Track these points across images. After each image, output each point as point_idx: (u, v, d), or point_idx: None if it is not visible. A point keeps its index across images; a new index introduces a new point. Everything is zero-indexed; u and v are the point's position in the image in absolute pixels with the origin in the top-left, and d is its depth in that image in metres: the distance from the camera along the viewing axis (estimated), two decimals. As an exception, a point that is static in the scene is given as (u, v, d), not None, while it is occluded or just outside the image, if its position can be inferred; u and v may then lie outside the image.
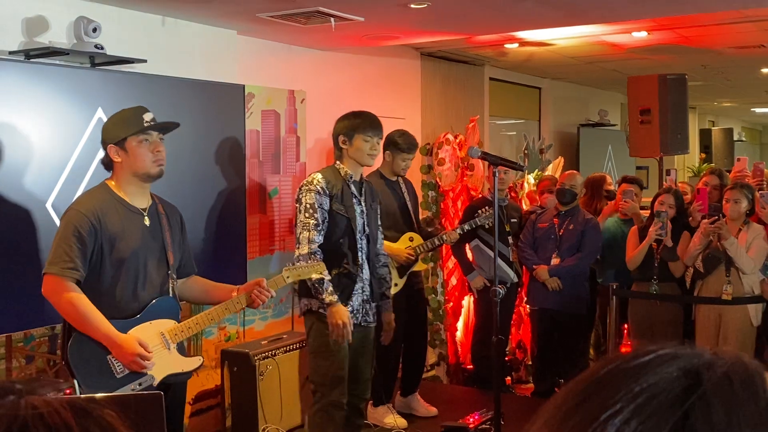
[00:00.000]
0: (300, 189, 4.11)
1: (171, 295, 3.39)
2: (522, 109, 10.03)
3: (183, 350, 3.43)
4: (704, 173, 6.28)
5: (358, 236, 4.10)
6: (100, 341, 3.13)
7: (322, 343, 4.04)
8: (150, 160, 3.31)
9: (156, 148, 3.34)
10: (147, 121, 3.32)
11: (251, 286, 3.47)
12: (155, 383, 3.23)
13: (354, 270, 4.08)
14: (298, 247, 4.01)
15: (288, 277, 3.64)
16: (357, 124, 4.16)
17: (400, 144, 5.34)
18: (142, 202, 3.38)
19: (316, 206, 3.99)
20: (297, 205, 4.09)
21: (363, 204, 4.18)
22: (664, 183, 6.36)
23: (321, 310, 4.01)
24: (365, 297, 4.17)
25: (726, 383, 0.59)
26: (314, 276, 3.82)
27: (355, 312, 4.09)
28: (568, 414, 0.63)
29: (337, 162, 4.22)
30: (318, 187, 4.03)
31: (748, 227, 4.99)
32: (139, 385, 3.19)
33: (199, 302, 3.75)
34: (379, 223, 4.38)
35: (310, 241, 3.96)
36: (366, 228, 4.16)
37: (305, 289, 4.09)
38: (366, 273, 4.16)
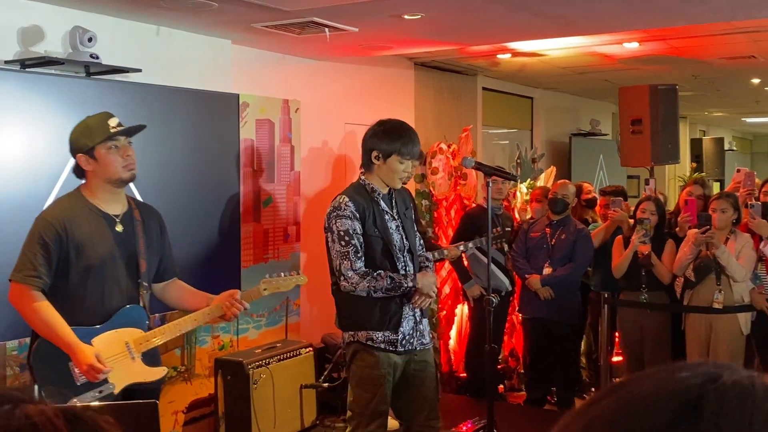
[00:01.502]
0: (328, 216, 3.73)
1: (141, 303, 3.35)
2: (514, 119, 10.08)
3: (156, 358, 3.40)
4: (687, 183, 6.32)
5: (398, 255, 3.76)
6: (62, 346, 3.12)
7: (365, 375, 3.74)
8: (120, 166, 3.29)
9: (125, 152, 3.31)
10: (113, 127, 3.29)
11: (225, 297, 3.42)
12: (115, 392, 3.20)
13: (400, 295, 3.73)
14: (343, 279, 3.66)
15: (265, 290, 3.58)
16: (399, 144, 3.71)
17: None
18: (115, 208, 3.36)
19: (351, 232, 3.65)
20: (327, 234, 3.73)
21: (397, 217, 3.82)
22: (644, 192, 6.41)
23: (369, 342, 3.71)
24: (417, 318, 3.80)
25: (748, 382, 0.60)
26: (291, 287, 3.67)
27: (407, 338, 3.75)
28: None
29: (362, 177, 3.83)
30: (348, 212, 3.66)
31: (735, 236, 5.04)
32: (99, 392, 3.16)
33: (176, 307, 3.69)
34: (416, 228, 4.00)
35: (354, 270, 3.63)
36: (405, 242, 3.80)
37: (344, 322, 3.82)
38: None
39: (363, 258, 3.67)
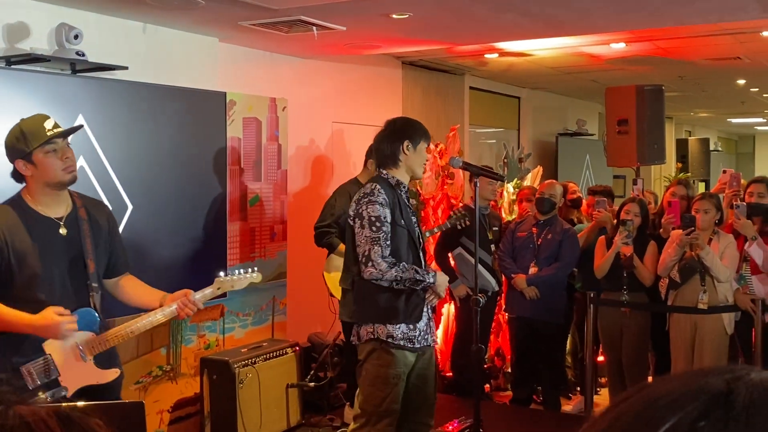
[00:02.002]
0: (359, 202, 3.72)
1: (91, 305, 3.30)
2: (502, 118, 10.10)
3: (111, 359, 3.36)
4: (671, 184, 6.36)
5: (419, 249, 3.81)
6: (25, 332, 3.08)
7: (380, 374, 3.72)
8: (60, 169, 3.22)
9: (64, 155, 3.23)
10: (49, 130, 3.21)
11: (178, 296, 3.37)
12: (68, 395, 3.16)
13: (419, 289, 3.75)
14: (371, 265, 3.61)
15: (219, 288, 3.52)
16: (422, 131, 3.87)
17: None
18: (58, 210, 3.29)
19: (382, 219, 3.63)
20: (357, 220, 3.69)
21: (414, 212, 3.90)
22: (631, 192, 6.43)
23: (389, 339, 3.69)
24: (429, 315, 3.86)
25: (759, 393, 0.62)
26: (245, 285, 3.61)
27: (422, 334, 3.78)
28: None
29: (383, 171, 3.83)
30: (380, 198, 3.66)
31: (718, 237, 5.07)
32: (51, 396, 3.12)
33: (128, 304, 3.61)
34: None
35: (383, 257, 3.60)
36: (420, 240, 3.86)
37: (364, 313, 3.78)
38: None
39: (390, 246, 3.66)
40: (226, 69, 5.82)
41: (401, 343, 3.70)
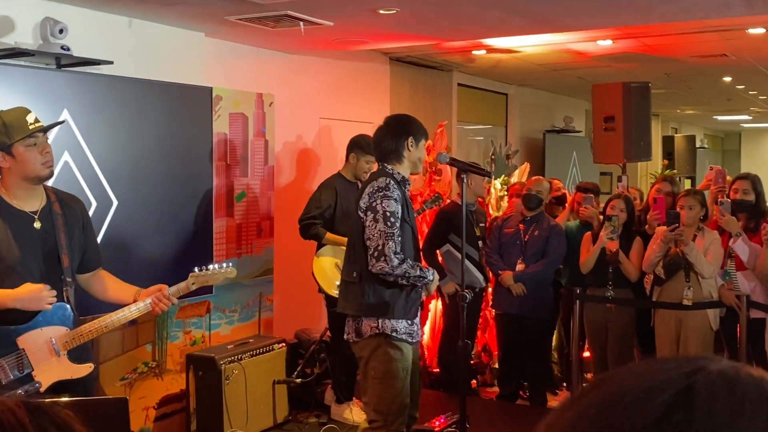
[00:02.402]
0: (372, 195, 3.69)
1: (65, 300, 3.28)
2: (489, 115, 10.11)
3: (85, 354, 3.34)
4: (656, 181, 6.38)
5: (419, 246, 3.87)
6: (9, 306, 3.08)
7: (390, 369, 3.70)
8: (39, 163, 3.21)
9: (44, 149, 3.23)
10: (31, 123, 3.21)
11: (152, 292, 3.37)
12: (42, 390, 3.15)
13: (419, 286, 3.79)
14: (383, 260, 3.60)
15: (193, 284, 3.53)
16: (423, 129, 3.93)
17: (363, 146, 5.44)
18: (33, 204, 3.28)
19: (397, 215, 3.64)
20: (369, 213, 3.67)
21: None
22: (616, 189, 6.45)
23: (394, 333, 3.70)
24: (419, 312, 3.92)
25: (732, 371, 0.62)
26: (220, 280, 3.62)
27: (417, 329, 3.83)
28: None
29: (388, 166, 3.83)
30: (395, 194, 3.67)
31: (703, 233, 5.09)
32: (24, 391, 3.10)
33: (102, 299, 3.59)
34: None
35: (395, 252, 3.60)
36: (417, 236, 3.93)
37: (371, 308, 3.75)
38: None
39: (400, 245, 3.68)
40: (213, 64, 5.80)
41: (404, 336, 3.74)
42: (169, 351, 5.11)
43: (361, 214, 3.73)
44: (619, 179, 6.83)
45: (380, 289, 3.73)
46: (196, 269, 3.56)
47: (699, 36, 6.76)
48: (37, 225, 3.25)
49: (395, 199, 3.66)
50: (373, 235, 3.65)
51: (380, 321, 3.72)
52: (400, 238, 3.66)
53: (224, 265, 3.65)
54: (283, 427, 5.36)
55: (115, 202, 4.73)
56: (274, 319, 5.94)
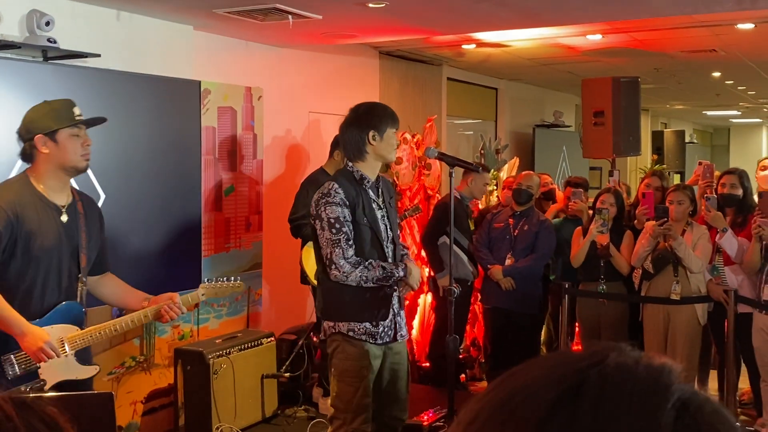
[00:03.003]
0: (316, 203, 3.64)
1: (78, 300, 3.29)
2: (479, 110, 10.11)
3: (87, 356, 3.35)
4: (645, 175, 6.41)
5: (384, 245, 3.69)
6: (6, 328, 3.04)
7: (348, 368, 3.66)
8: (79, 155, 3.25)
9: (85, 142, 3.28)
10: (77, 115, 3.26)
11: (163, 299, 3.39)
12: (46, 388, 3.15)
13: (389, 285, 3.68)
14: (334, 268, 3.54)
15: (203, 295, 3.58)
16: (388, 116, 3.71)
17: None
18: (61, 198, 3.28)
19: (342, 219, 3.55)
20: (317, 221, 3.61)
21: (383, 206, 3.75)
22: (608, 183, 6.47)
23: (350, 333, 3.64)
24: (395, 310, 3.74)
25: (632, 362, 0.60)
26: (228, 294, 3.66)
27: (385, 330, 3.69)
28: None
29: (350, 164, 3.72)
30: (337, 198, 3.57)
31: (692, 228, 5.10)
32: (29, 389, 3.10)
33: (110, 303, 3.62)
34: (397, 219, 3.98)
35: (346, 258, 3.53)
36: (389, 232, 3.75)
37: (329, 311, 3.71)
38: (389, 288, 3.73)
39: (354, 246, 3.58)
40: (201, 57, 5.77)
41: (363, 337, 3.65)
42: (157, 345, 5.10)
43: (312, 221, 3.68)
44: (611, 173, 6.85)
45: (340, 293, 3.64)
46: (206, 280, 3.64)
47: (688, 31, 6.77)
48: (63, 218, 3.25)
49: (338, 204, 3.56)
50: (323, 244, 3.59)
51: (336, 322, 3.67)
52: (351, 242, 3.57)
53: (233, 279, 3.76)
54: (271, 421, 5.35)
55: (103, 196, 4.70)
56: (263, 314, 5.93)
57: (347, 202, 3.58)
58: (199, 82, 5.32)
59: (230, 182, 5.58)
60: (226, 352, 5.03)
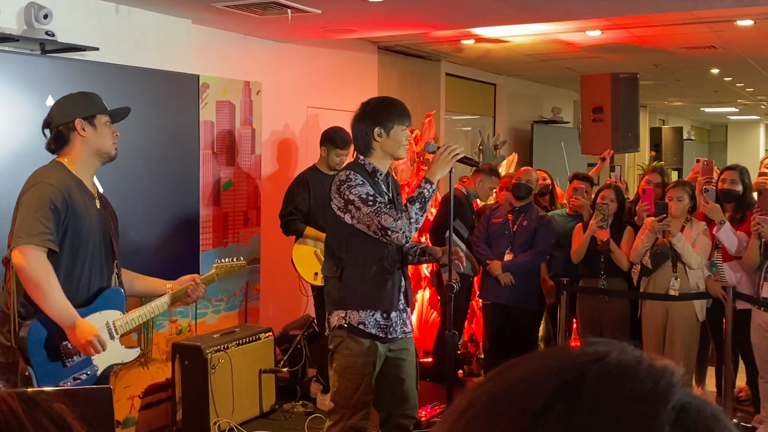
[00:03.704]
0: (340, 191, 3.57)
1: (117, 284, 3.39)
2: (477, 105, 10.10)
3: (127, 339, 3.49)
4: (645, 172, 6.40)
5: None
6: (58, 319, 3.06)
7: (350, 364, 3.63)
8: (112, 142, 3.33)
9: (115, 132, 3.36)
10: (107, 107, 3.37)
11: (187, 280, 3.52)
12: (99, 372, 3.23)
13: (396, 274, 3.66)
14: (392, 234, 3.47)
15: (218, 275, 3.71)
16: (396, 113, 3.66)
17: (334, 140, 5.43)
18: (92, 186, 3.35)
19: (372, 193, 3.51)
20: (349, 207, 3.55)
21: (394, 202, 3.70)
22: (609, 179, 6.46)
23: (360, 326, 3.60)
24: (402, 306, 3.71)
25: (633, 362, 0.59)
26: (236, 272, 3.76)
27: (394, 325, 3.66)
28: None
29: (361, 157, 3.69)
30: (358, 179, 3.54)
31: (691, 224, 5.11)
32: (86, 374, 3.18)
33: (130, 293, 3.61)
34: None
35: (394, 218, 3.46)
36: None
37: (335, 301, 3.69)
38: (401, 279, 3.71)
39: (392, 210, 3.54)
40: (200, 51, 5.75)
41: (372, 331, 3.62)
42: (155, 340, 5.09)
43: (341, 213, 3.62)
44: (613, 169, 6.84)
45: (356, 281, 3.63)
46: (217, 260, 3.77)
47: (688, 27, 6.76)
48: (98, 204, 3.31)
49: (361, 183, 3.54)
50: (366, 222, 3.54)
51: (348, 312, 3.63)
52: (389, 206, 3.54)
53: (235, 258, 3.89)
54: (269, 416, 5.34)
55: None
56: (261, 308, 5.93)
57: (367, 183, 3.56)
58: (198, 77, 5.31)
59: (228, 177, 5.57)
60: (224, 347, 5.02)
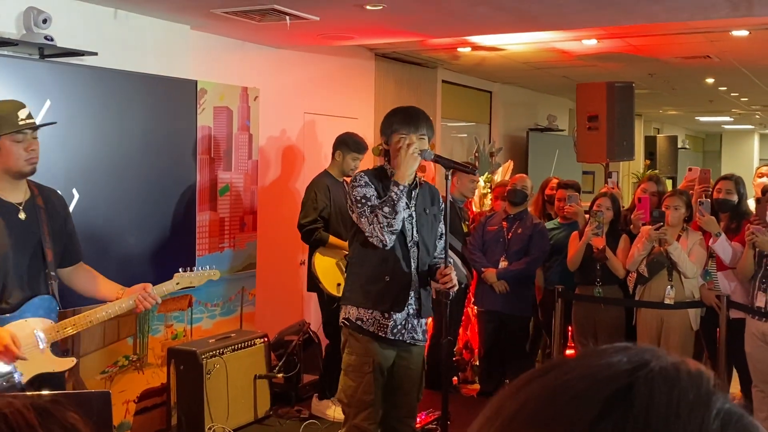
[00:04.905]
0: (348, 194, 3.76)
1: (49, 293, 3.29)
2: (473, 112, 10.12)
3: (57, 350, 3.36)
4: (641, 180, 6.43)
5: (408, 244, 3.71)
6: None
7: (351, 362, 3.71)
8: (23, 159, 3.21)
9: (30, 146, 3.23)
10: (22, 119, 3.21)
11: (137, 289, 3.39)
12: (23, 381, 3.16)
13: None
14: (373, 237, 3.59)
15: (178, 284, 3.57)
16: (396, 122, 3.77)
17: (350, 144, 5.44)
18: (17, 196, 3.27)
19: (368, 196, 3.64)
20: (354, 207, 3.68)
21: (413, 208, 3.75)
22: (605, 186, 6.48)
23: (359, 322, 3.68)
24: (410, 311, 3.73)
25: (673, 369, 0.61)
26: (204, 281, 3.70)
27: (398, 327, 3.70)
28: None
29: (386, 162, 3.83)
30: (362, 181, 3.69)
31: (687, 233, 5.13)
32: (6, 382, 3.11)
33: (84, 294, 3.59)
34: (441, 231, 3.91)
35: (369, 223, 3.59)
36: (415, 235, 3.74)
37: (342, 297, 3.80)
38: (416, 285, 3.74)
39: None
40: (198, 57, 5.76)
41: (371, 329, 3.66)
42: (151, 344, 5.09)
43: (350, 212, 3.75)
44: (609, 176, 6.86)
45: (356, 276, 3.75)
46: (180, 270, 3.61)
47: (683, 37, 6.80)
48: (22, 216, 3.24)
49: (362, 185, 3.69)
50: (357, 222, 3.69)
51: (348, 309, 3.73)
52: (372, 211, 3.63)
53: (207, 267, 3.77)
54: (263, 422, 5.35)
55: (98, 195, 4.69)
56: (256, 314, 5.93)
57: (373, 185, 3.70)
58: (196, 82, 5.32)
59: (225, 182, 5.58)
60: (219, 352, 5.02)
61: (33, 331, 3.19)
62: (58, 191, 3.58)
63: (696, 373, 0.61)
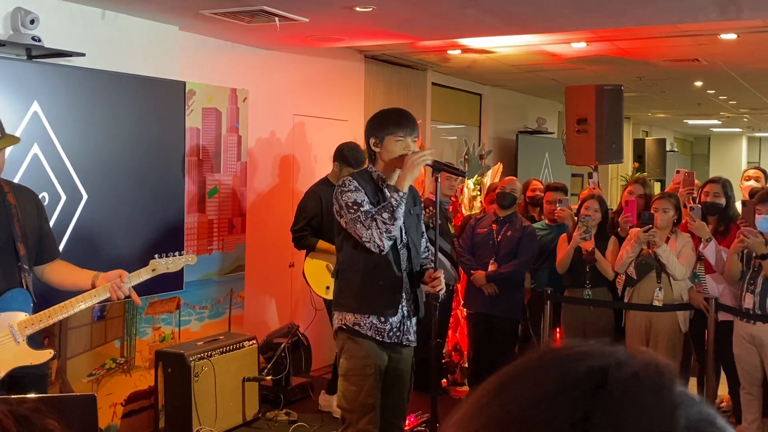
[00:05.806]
0: (336, 197, 3.69)
1: (24, 286, 3.29)
2: (463, 115, 10.13)
3: (36, 343, 3.34)
4: (628, 183, 6.44)
5: (398, 246, 3.71)
6: None
7: (351, 366, 3.69)
8: None
9: None
10: None
11: (113, 276, 3.38)
12: (0, 376, 3.15)
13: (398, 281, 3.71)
14: (367, 243, 3.56)
15: (154, 270, 3.55)
16: (388, 123, 3.75)
17: (348, 159, 5.43)
18: None
19: (358, 201, 3.60)
20: (341, 212, 3.66)
21: (412, 215, 3.79)
22: (587, 186, 6.49)
23: (356, 327, 3.68)
24: (404, 313, 3.75)
25: (634, 382, 0.60)
26: (180, 267, 3.65)
27: (394, 330, 3.72)
28: (482, 408, 0.63)
29: (370, 165, 3.83)
30: (351, 186, 3.65)
31: (676, 236, 5.15)
32: None
33: (61, 288, 3.55)
34: (423, 230, 3.95)
35: (367, 228, 3.56)
36: (404, 236, 3.75)
37: (339, 301, 3.76)
38: (407, 286, 3.75)
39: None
40: (186, 58, 5.74)
41: (369, 333, 3.67)
42: (138, 347, 5.06)
43: (337, 217, 3.73)
44: (590, 176, 6.88)
45: (350, 282, 3.71)
46: (156, 256, 3.58)
47: (672, 40, 6.82)
48: None
49: (352, 190, 3.64)
50: (351, 227, 3.63)
51: (345, 314, 3.71)
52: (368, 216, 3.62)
53: (185, 252, 3.72)
54: (252, 424, 5.33)
55: (85, 196, 4.67)
56: (245, 316, 5.91)
57: (362, 189, 3.65)
58: (184, 83, 5.30)
59: (214, 184, 5.56)
60: (207, 355, 5.00)
61: (8, 325, 3.19)
62: (32, 189, 3.57)
63: (657, 379, 0.61)
